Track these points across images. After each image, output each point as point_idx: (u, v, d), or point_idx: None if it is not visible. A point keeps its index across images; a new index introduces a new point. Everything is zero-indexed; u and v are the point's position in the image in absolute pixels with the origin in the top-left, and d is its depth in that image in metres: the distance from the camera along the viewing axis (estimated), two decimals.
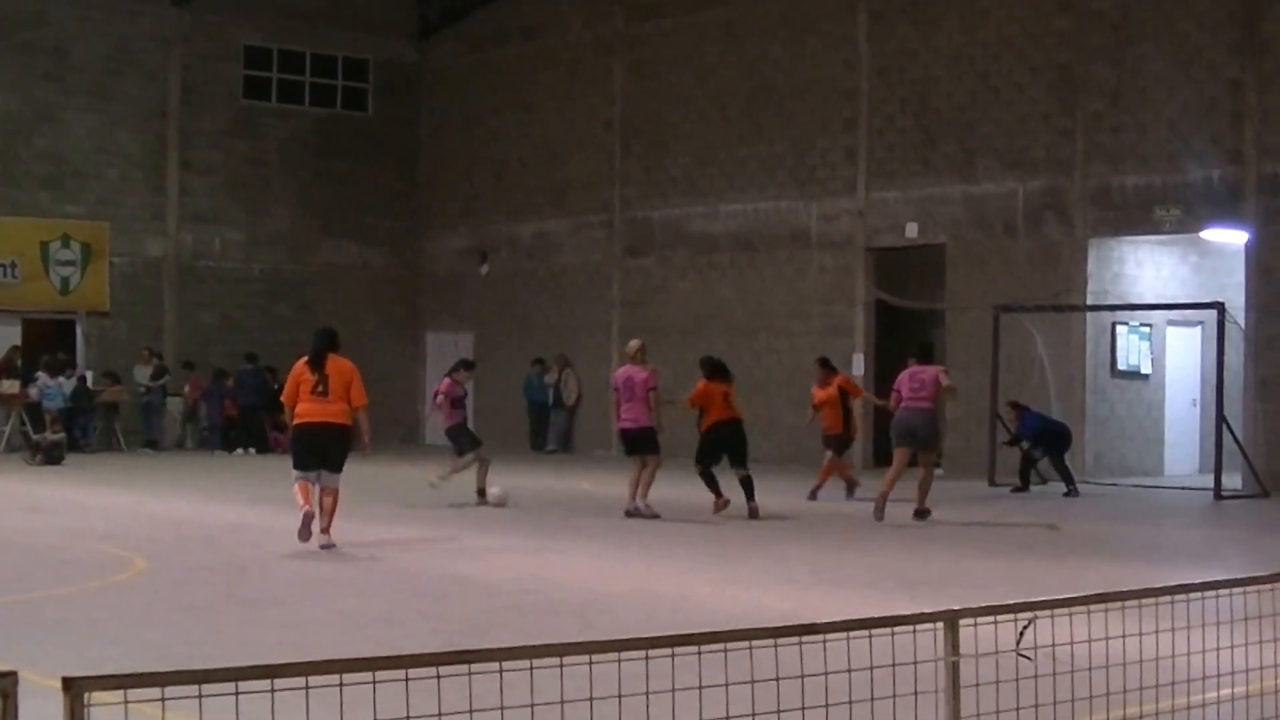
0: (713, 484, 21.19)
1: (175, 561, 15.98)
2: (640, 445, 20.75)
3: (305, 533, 16.44)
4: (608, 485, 26.03)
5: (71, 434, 32.29)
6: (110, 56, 35.61)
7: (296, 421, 16.86)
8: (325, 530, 16.63)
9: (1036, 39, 28.50)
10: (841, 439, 24.38)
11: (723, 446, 21.34)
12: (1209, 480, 25.06)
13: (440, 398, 23.06)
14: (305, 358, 17.08)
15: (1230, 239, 27.08)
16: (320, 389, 16.70)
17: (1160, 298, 28.48)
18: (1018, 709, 6.02)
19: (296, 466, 16.84)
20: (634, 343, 21.32)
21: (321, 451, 16.74)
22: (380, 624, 12.02)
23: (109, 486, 25.32)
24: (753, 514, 20.63)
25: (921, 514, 20.32)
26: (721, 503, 20.97)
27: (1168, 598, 6.46)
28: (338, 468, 16.81)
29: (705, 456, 21.37)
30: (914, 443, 20.35)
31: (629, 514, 20.43)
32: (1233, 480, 25.23)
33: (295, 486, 16.78)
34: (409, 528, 19.40)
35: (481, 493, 22.34)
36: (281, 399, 17.63)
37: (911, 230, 30.12)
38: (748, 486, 20.79)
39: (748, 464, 21.09)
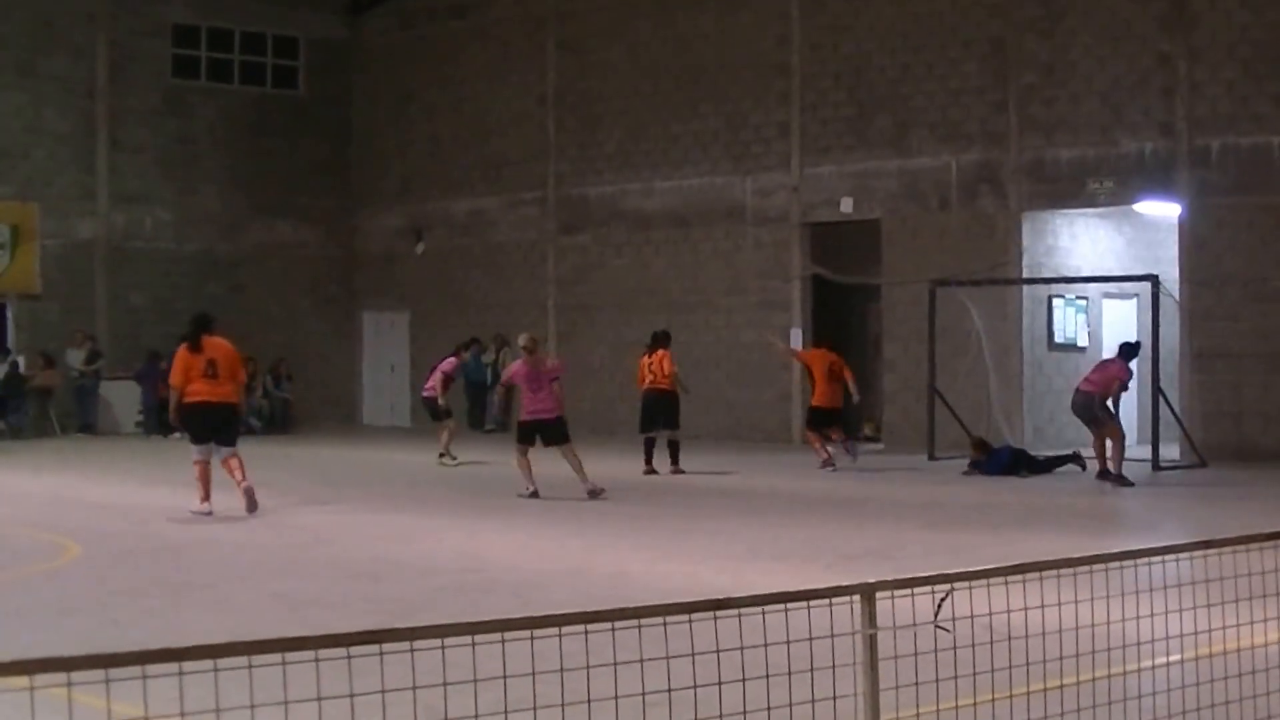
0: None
1: (109, 547, 15.94)
2: (556, 435, 20.99)
3: (207, 507, 17.75)
4: (547, 464, 26.04)
5: (3, 419, 32.10)
6: (36, 33, 35.26)
7: (192, 400, 17.93)
8: (245, 482, 17.91)
9: (968, 12, 28.63)
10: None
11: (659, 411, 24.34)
12: (1147, 451, 25.25)
13: (439, 375, 26.60)
14: (185, 343, 18.12)
15: (1163, 212, 27.29)
16: (211, 371, 17.90)
17: (1095, 270, 28.68)
18: (937, 680, 6.06)
19: (196, 442, 18.02)
20: (526, 336, 21.82)
21: (215, 427, 18.01)
22: (315, 606, 12.04)
23: (42, 472, 25.19)
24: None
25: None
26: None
27: (1086, 567, 6.51)
28: (231, 442, 18.14)
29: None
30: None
31: (592, 494, 20.45)
32: (1170, 451, 25.46)
33: (196, 470, 17.99)
34: (344, 509, 19.39)
35: (443, 455, 25.86)
36: (170, 382, 18.50)
37: (846, 205, 30.23)
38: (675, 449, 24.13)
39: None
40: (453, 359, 27.75)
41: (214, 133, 37.61)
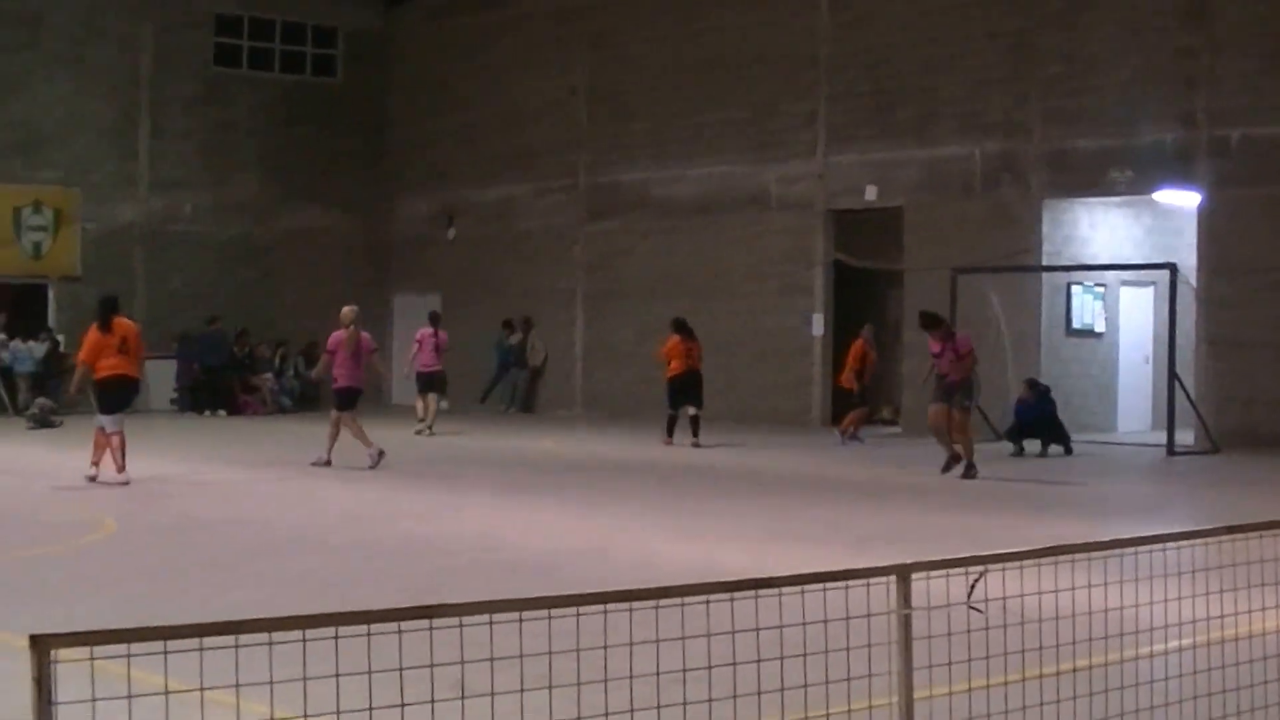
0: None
1: (145, 522, 15.95)
2: (350, 400, 22.16)
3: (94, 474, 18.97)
4: (570, 445, 26.05)
5: (45, 396, 32.12)
6: (83, 24, 35.35)
7: (107, 375, 18.96)
8: (121, 468, 18.93)
9: (991, 5, 28.50)
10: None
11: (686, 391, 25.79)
12: (1162, 437, 25.17)
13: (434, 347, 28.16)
14: (96, 325, 19.16)
15: (1182, 201, 27.16)
16: (123, 348, 19.05)
17: (1114, 258, 28.56)
18: (969, 660, 6.02)
19: (108, 412, 19.00)
20: (350, 309, 22.63)
21: (126, 399, 19.39)
22: (344, 583, 12.03)
23: (80, 449, 25.19)
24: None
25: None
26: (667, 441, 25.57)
27: (1117, 551, 6.47)
28: (122, 411, 19.29)
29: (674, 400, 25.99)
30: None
31: (316, 464, 21.69)
32: (1185, 436, 25.35)
33: (101, 434, 19.01)
34: (371, 488, 19.38)
35: (427, 425, 27.74)
36: (82, 359, 19.42)
37: (870, 193, 30.14)
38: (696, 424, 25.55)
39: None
40: (428, 330, 28.40)
41: (253, 120, 37.63)
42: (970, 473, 20.39)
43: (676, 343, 26.19)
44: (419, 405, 28.27)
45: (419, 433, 27.37)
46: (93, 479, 18.99)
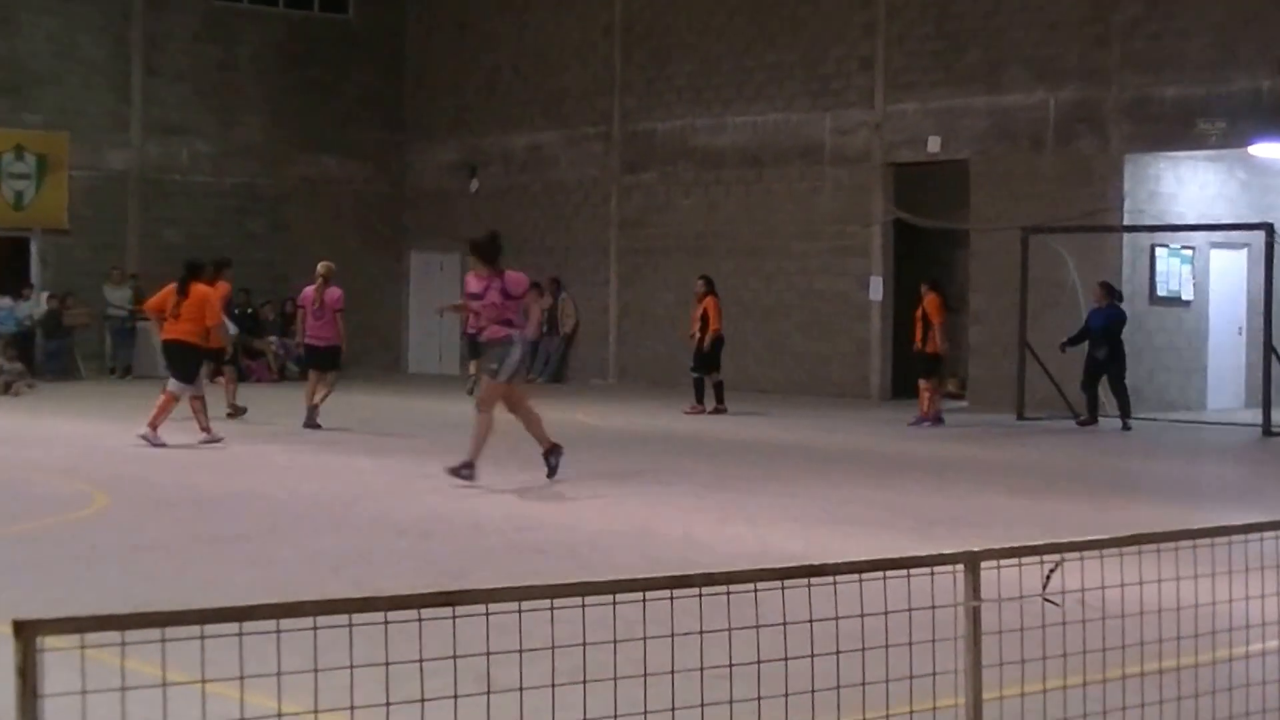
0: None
1: (139, 497, 15.99)
2: (325, 360, 23.57)
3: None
4: (605, 417, 26.05)
5: (33, 360, 32.31)
6: None
7: (164, 338, 21.37)
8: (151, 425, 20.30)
9: None
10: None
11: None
12: (1256, 415, 25.01)
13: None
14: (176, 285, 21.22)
15: (1279, 155, 26.98)
16: (180, 311, 20.80)
17: (1203, 217, 28.38)
18: (1044, 658, 5.98)
19: (177, 378, 20.78)
20: (325, 264, 23.90)
21: (183, 363, 20.92)
22: (358, 564, 12.03)
23: (71, 417, 25.32)
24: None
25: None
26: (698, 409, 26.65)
27: (1208, 540, 6.41)
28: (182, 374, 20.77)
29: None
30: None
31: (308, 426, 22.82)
32: None
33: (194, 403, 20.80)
34: (392, 460, 19.41)
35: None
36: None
37: (933, 145, 30.00)
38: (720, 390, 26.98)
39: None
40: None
41: (257, 60, 37.64)
42: (464, 472, 16.70)
43: (715, 303, 27.39)
44: (472, 367, 29.89)
45: (470, 392, 28.33)
46: (151, 440, 20.13)
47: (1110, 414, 25.51)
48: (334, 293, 23.46)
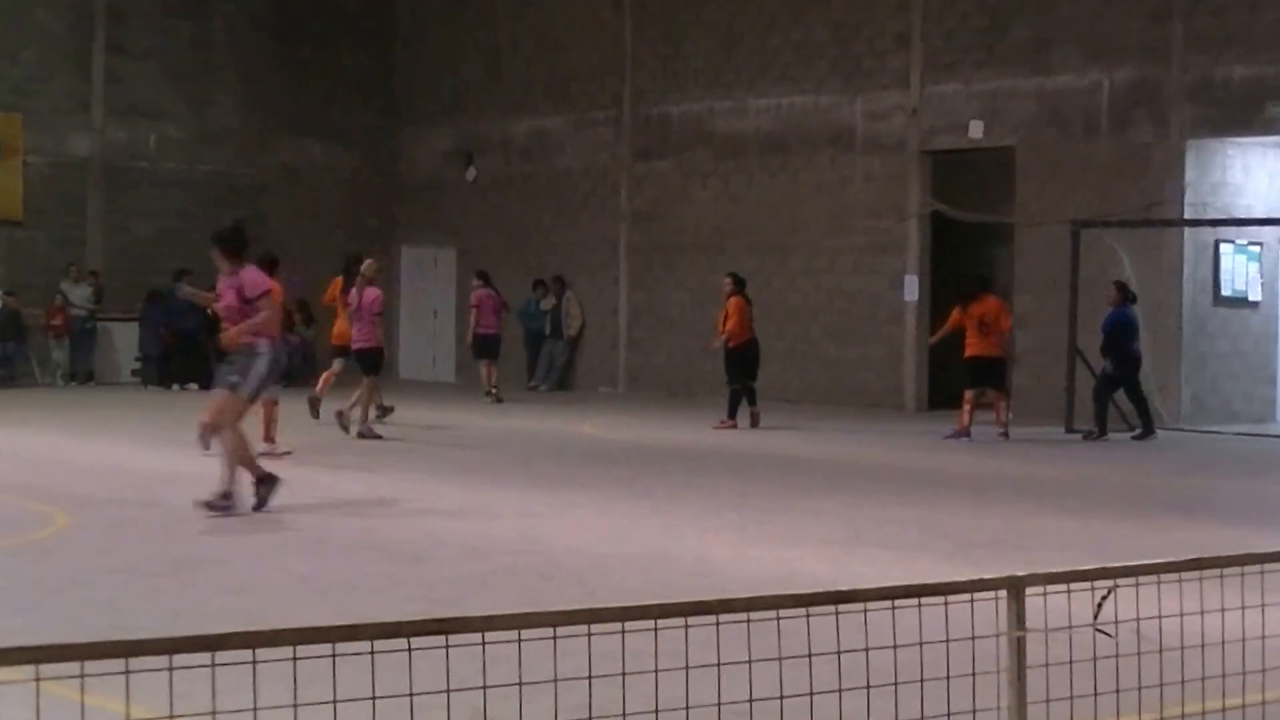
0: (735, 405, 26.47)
1: (102, 517, 15.99)
2: (363, 363, 24.09)
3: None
4: (614, 429, 26.07)
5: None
6: None
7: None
8: (268, 438, 20.76)
9: None
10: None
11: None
12: None
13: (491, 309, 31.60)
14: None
15: None
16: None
17: (1272, 210, 28.41)
18: (1095, 695, 5.99)
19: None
20: (370, 263, 24.64)
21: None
22: (344, 589, 12.05)
23: (26, 427, 25.35)
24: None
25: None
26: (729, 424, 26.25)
27: (1276, 565, 6.41)
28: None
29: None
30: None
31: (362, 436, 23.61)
32: None
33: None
34: (380, 478, 19.42)
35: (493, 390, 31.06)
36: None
37: (975, 130, 30.04)
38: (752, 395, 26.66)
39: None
40: (485, 290, 31.89)
41: (234, 37, 37.69)
42: (221, 503, 15.84)
43: (741, 304, 26.60)
44: (482, 372, 31.47)
45: (489, 393, 30.79)
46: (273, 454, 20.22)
47: (1130, 424, 25.53)
48: (370, 293, 23.93)
